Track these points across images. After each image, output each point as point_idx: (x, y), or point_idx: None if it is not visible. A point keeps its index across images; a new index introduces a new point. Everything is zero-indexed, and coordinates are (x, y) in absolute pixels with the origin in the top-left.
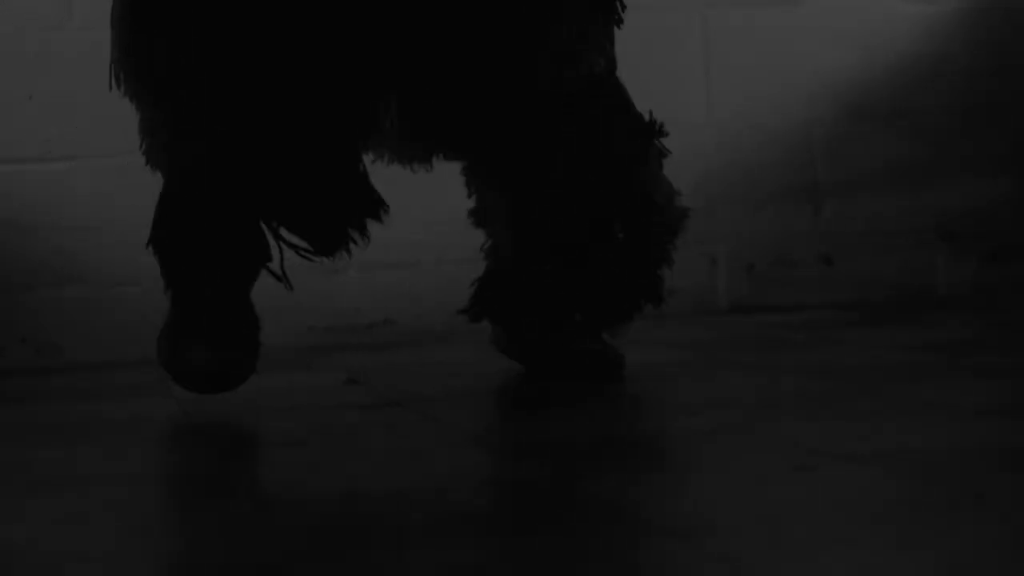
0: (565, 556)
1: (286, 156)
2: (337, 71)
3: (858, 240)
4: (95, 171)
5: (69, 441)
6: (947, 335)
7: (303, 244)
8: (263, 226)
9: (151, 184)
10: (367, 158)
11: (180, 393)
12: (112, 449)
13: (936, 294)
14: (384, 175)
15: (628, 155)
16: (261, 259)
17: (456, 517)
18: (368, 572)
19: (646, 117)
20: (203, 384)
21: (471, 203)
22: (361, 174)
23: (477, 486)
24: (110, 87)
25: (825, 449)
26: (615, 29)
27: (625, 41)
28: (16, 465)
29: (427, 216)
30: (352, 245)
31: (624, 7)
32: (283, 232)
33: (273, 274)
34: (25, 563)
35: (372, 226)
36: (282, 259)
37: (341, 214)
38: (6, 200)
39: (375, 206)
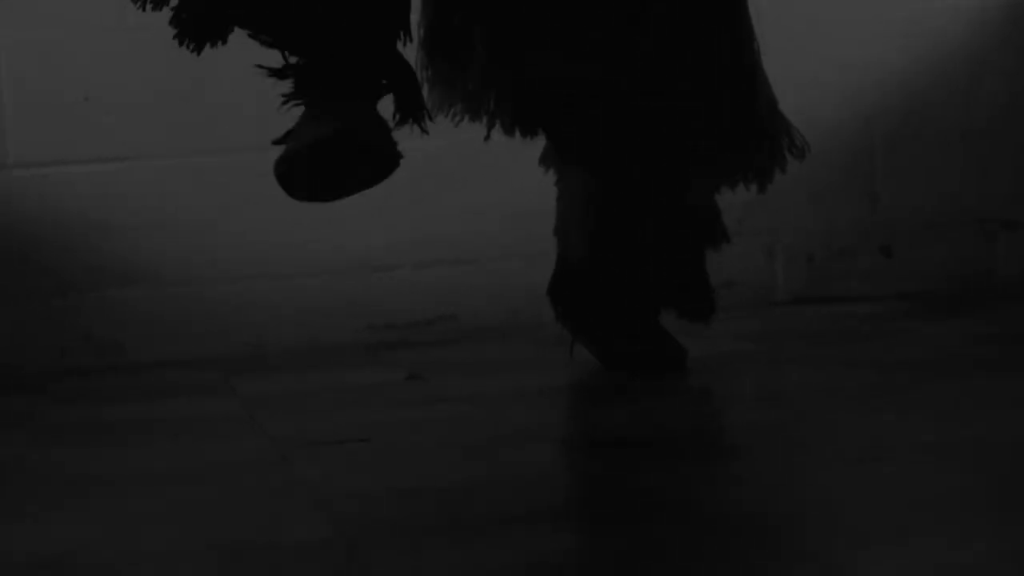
0: (628, 549)
1: None
2: None
3: (917, 230)
4: (152, 171)
5: (133, 440)
6: (1006, 325)
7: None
8: None
9: (208, 184)
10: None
11: (243, 391)
12: (175, 447)
13: (995, 283)
14: (443, 169)
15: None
16: None
17: (518, 512)
18: (435, 564)
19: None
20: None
21: (533, 197)
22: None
23: (539, 481)
24: None
25: (887, 440)
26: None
27: None
28: (81, 464)
29: (486, 211)
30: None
31: None
32: None
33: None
34: (98, 561)
35: (427, 224)
36: None
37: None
38: (66, 201)
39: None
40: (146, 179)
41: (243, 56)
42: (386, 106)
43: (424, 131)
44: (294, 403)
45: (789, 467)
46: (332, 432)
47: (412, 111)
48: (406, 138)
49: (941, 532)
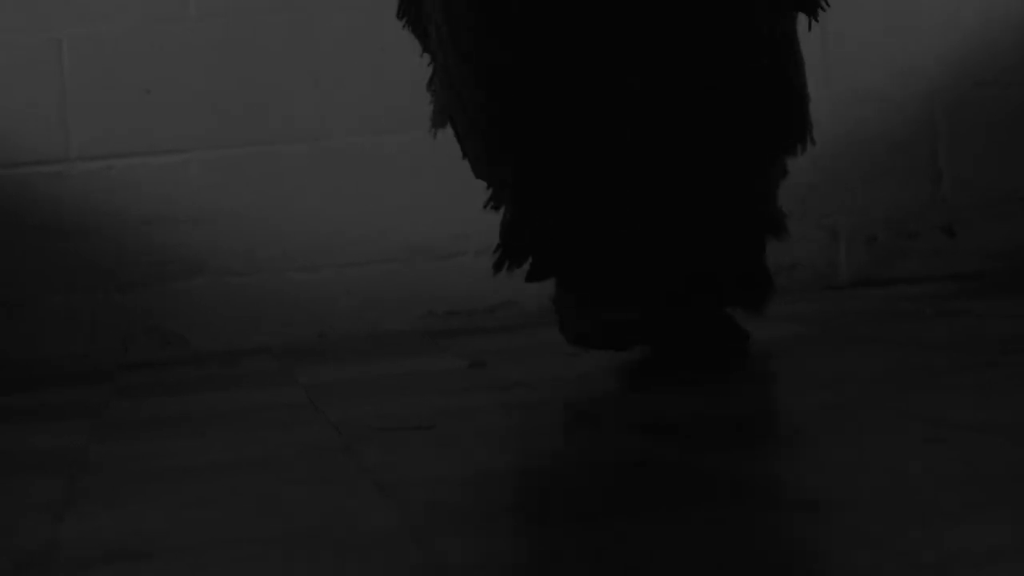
0: (686, 531)
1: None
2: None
3: (980, 209)
4: (213, 163)
5: (197, 431)
6: None
7: None
8: None
9: (268, 175)
10: None
11: (306, 380)
12: (238, 436)
13: None
14: None
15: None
16: None
17: (584, 497)
18: (503, 551)
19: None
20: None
21: None
22: None
23: (602, 466)
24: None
25: (955, 421)
26: None
27: None
28: (146, 455)
29: None
30: None
31: None
32: None
33: None
34: (163, 546)
35: (489, 210)
36: None
37: None
38: (129, 192)
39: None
40: (208, 171)
41: (300, 46)
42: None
43: None
44: (357, 391)
45: (851, 450)
46: (396, 419)
47: None
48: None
49: (1004, 515)
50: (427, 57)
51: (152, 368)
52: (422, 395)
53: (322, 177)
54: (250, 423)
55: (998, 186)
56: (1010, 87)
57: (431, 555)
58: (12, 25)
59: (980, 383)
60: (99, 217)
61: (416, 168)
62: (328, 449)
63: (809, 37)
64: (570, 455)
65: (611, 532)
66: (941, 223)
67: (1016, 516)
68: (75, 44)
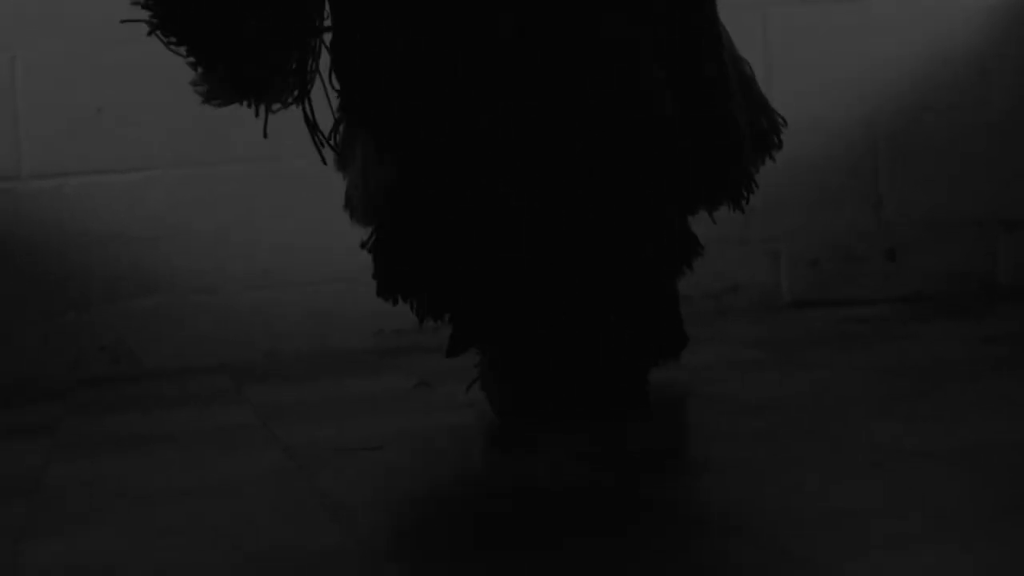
0: (628, 558)
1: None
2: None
3: (921, 233)
4: (165, 181)
5: (148, 452)
6: (1011, 327)
7: None
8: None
9: (222, 193)
10: None
11: (256, 400)
12: (192, 459)
13: (999, 285)
14: None
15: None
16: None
17: (528, 522)
18: (447, 574)
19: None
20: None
21: None
22: None
23: (544, 491)
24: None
25: (894, 446)
26: None
27: None
28: (104, 478)
29: None
30: None
31: None
32: None
33: None
34: (124, 571)
35: None
36: None
37: None
38: (81, 212)
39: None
40: (159, 189)
41: None
42: None
43: None
44: (307, 412)
45: (790, 473)
46: (345, 440)
47: None
48: None
49: (942, 539)
50: None
51: (105, 386)
52: (371, 416)
53: (275, 197)
54: (203, 445)
55: (939, 211)
56: (950, 113)
57: None
58: None
59: (921, 408)
60: (51, 235)
61: None
62: (280, 472)
63: (753, 62)
64: (513, 480)
65: (554, 555)
66: (882, 247)
67: (948, 541)
68: (28, 62)
